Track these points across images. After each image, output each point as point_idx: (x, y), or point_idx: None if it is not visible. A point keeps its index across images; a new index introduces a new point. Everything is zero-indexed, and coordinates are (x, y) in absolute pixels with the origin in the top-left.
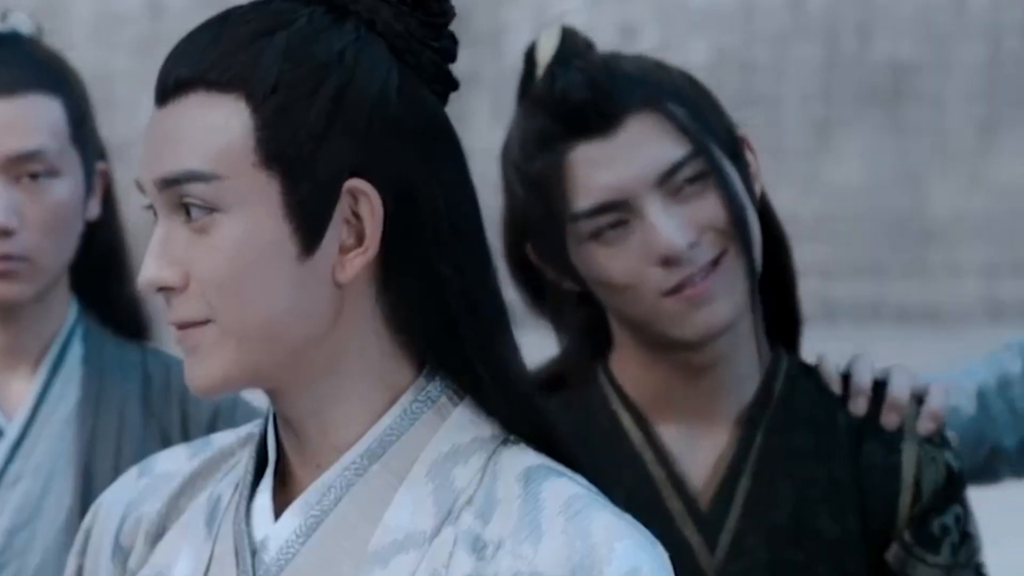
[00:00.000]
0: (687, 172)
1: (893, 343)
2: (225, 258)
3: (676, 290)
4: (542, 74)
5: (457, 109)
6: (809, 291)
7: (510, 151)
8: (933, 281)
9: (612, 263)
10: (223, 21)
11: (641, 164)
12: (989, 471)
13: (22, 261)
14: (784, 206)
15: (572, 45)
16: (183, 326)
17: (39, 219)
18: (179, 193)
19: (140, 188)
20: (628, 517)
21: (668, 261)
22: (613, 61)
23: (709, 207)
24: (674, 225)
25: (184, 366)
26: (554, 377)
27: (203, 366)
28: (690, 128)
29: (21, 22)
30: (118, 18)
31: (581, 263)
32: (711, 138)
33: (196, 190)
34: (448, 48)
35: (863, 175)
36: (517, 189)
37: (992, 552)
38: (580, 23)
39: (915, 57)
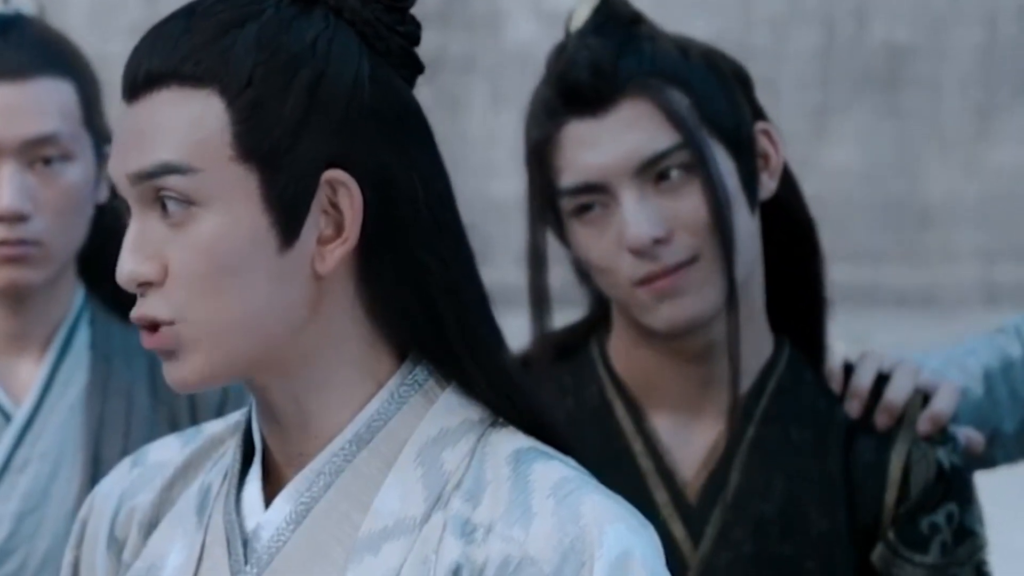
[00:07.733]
0: (671, 162)
1: (889, 328)
2: (203, 253)
3: (645, 281)
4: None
5: (454, 95)
6: None
7: (527, 114)
8: (929, 266)
9: (591, 244)
10: (190, 13)
11: (624, 149)
12: (986, 456)
13: (35, 246)
14: None
15: (605, 18)
16: (148, 326)
17: (52, 204)
18: (155, 187)
19: (111, 184)
20: (620, 499)
21: (635, 252)
22: (632, 41)
23: (689, 203)
24: (644, 217)
25: (162, 366)
26: (547, 348)
27: (180, 364)
28: (682, 118)
29: (24, 4)
30: (114, 3)
31: (570, 239)
32: (712, 130)
33: (173, 183)
34: (413, 32)
35: (859, 159)
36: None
37: (996, 540)
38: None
39: (912, 41)
